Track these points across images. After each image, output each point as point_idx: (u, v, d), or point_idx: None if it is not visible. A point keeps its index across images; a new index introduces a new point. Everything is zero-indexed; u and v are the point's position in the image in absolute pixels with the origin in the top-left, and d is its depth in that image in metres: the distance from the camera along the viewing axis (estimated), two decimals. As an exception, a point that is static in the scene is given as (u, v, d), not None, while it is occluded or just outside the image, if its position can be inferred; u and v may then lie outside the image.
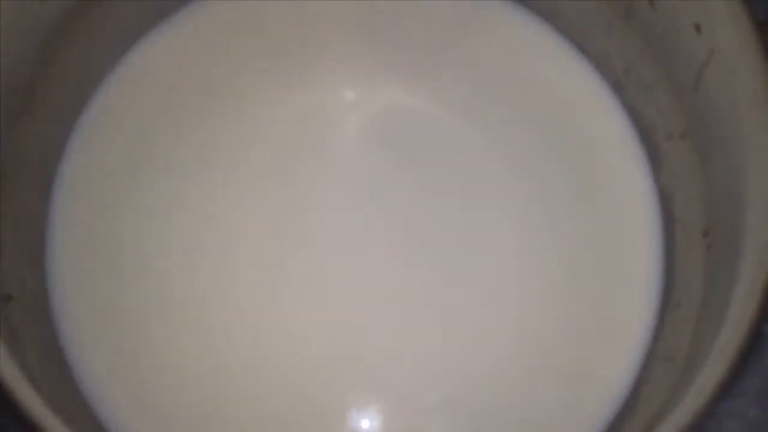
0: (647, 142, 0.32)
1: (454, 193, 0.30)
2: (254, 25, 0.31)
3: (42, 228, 0.28)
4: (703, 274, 0.28)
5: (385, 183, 0.30)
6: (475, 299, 0.29)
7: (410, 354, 0.28)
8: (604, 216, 0.30)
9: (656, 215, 0.31)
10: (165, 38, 0.31)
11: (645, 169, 0.31)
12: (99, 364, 0.27)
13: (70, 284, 0.28)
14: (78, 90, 0.30)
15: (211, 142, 0.30)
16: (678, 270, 0.30)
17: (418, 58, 0.31)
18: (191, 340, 0.28)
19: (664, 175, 0.31)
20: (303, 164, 0.30)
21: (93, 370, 0.26)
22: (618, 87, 0.32)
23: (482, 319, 0.29)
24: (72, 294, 0.27)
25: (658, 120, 0.31)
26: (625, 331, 0.29)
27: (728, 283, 0.25)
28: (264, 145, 0.30)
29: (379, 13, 0.31)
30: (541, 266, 0.29)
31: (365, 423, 0.27)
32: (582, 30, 0.32)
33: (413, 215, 0.30)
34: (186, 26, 0.31)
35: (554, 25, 0.33)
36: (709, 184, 0.28)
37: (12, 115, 0.26)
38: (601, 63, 0.33)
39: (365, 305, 0.29)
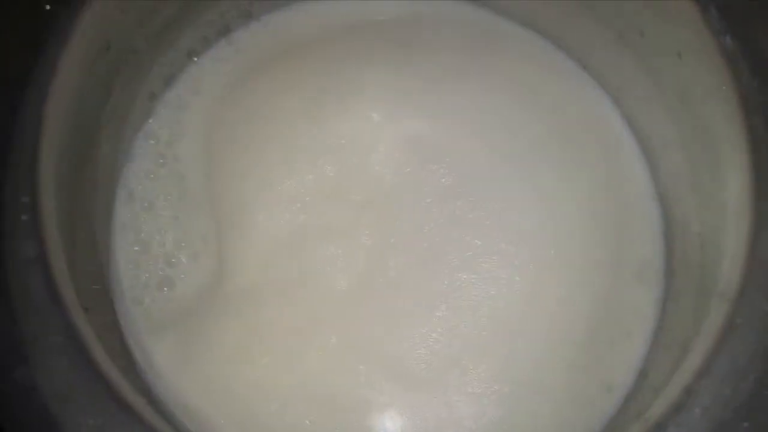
0: (645, 149, 0.34)
1: (470, 207, 0.31)
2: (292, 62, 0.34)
3: (107, 254, 0.32)
4: (699, 271, 0.31)
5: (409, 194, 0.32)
6: (511, 310, 0.30)
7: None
8: (612, 216, 0.32)
9: (658, 216, 0.33)
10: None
11: (645, 173, 0.34)
12: (160, 361, 0.30)
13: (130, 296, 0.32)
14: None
15: (265, 152, 0.32)
16: (677, 264, 0.33)
17: (438, 79, 0.33)
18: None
19: (662, 179, 0.34)
20: (338, 173, 0.32)
21: (156, 367, 0.30)
22: (617, 99, 0.35)
23: (520, 329, 0.30)
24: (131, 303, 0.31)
25: (654, 130, 0.34)
26: (635, 320, 0.32)
27: (714, 279, 0.29)
28: (306, 155, 0.32)
29: (402, 45, 0.34)
30: (562, 271, 0.31)
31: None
32: (583, 48, 0.35)
33: (440, 237, 0.31)
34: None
35: (558, 46, 0.36)
36: (699, 189, 0.32)
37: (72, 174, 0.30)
38: (600, 77, 0.35)
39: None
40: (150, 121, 0.33)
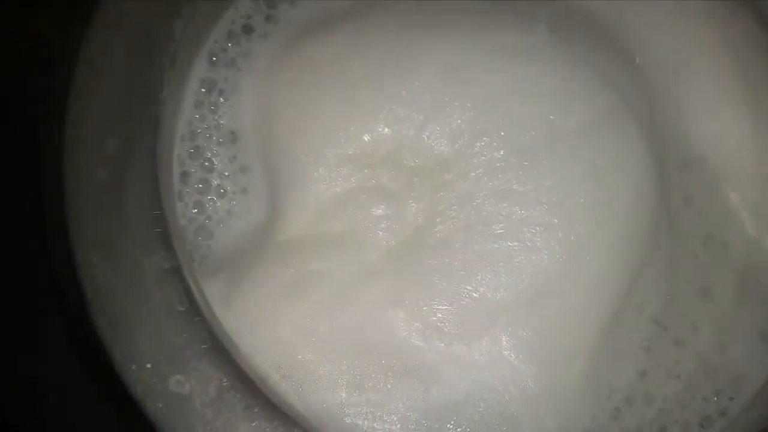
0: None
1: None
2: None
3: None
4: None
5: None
6: (550, 278, 0.32)
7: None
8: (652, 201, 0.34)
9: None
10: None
11: (646, 155, 0.34)
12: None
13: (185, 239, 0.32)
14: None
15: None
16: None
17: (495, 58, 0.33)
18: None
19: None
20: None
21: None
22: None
23: (557, 297, 0.32)
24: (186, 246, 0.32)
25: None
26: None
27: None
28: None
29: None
30: (601, 246, 0.32)
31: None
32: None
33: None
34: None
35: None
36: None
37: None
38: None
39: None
40: (204, 76, 0.34)
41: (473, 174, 0.32)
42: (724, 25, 0.36)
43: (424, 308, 0.31)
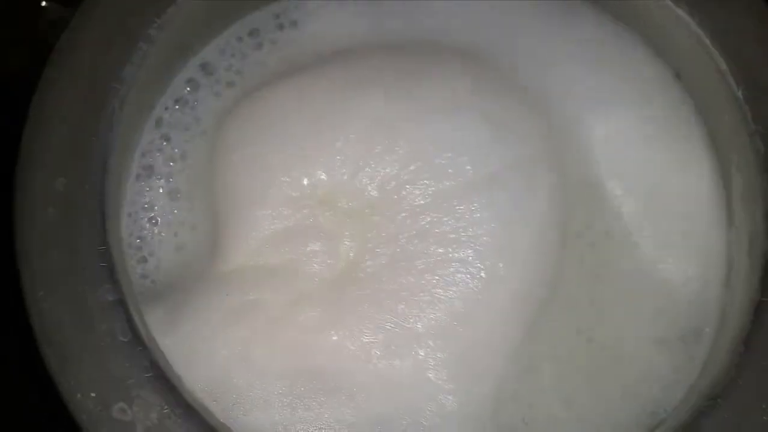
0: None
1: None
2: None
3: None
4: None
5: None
6: (465, 307, 0.36)
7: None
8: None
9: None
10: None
11: (552, 205, 0.39)
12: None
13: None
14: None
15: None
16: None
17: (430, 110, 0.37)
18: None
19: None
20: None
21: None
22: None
23: (471, 325, 0.36)
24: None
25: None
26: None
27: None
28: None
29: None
30: (507, 283, 0.36)
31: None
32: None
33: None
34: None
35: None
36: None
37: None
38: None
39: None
40: (156, 119, 0.37)
41: (399, 217, 0.36)
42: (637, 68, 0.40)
43: (355, 332, 0.35)
